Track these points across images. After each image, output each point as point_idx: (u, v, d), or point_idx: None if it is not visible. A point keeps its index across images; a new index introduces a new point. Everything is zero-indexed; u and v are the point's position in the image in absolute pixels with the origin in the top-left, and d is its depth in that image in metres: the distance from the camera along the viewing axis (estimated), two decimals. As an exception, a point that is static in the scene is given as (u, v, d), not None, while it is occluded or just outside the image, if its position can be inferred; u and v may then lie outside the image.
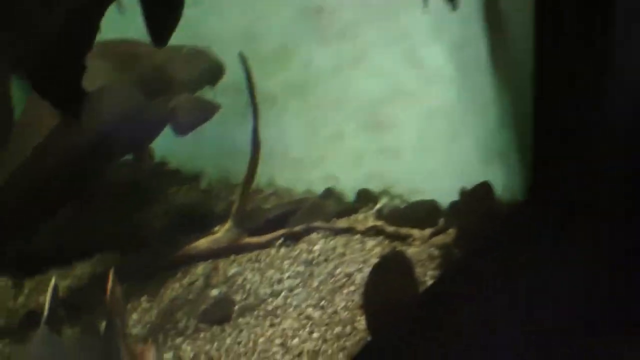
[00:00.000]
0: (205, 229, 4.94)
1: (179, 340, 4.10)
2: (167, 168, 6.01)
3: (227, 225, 4.79)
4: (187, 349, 4.00)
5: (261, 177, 5.34)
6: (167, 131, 4.92)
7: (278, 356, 3.79)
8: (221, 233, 4.79)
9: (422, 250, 4.45)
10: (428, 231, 4.62)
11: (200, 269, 4.70)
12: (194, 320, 4.23)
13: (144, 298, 4.54)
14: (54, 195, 4.46)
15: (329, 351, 3.74)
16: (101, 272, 4.78)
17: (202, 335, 4.11)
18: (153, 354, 3.92)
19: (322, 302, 4.10)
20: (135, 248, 4.95)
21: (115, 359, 3.54)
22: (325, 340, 3.81)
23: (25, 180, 4.26)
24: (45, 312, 3.23)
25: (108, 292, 3.66)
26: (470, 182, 4.66)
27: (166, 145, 5.56)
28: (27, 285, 4.75)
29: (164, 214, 5.31)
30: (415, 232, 4.62)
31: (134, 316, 4.36)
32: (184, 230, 5.02)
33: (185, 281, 4.61)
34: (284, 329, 3.97)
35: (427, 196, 4.92)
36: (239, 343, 3.95)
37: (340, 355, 3.70)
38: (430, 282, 4.11)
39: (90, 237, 4.97)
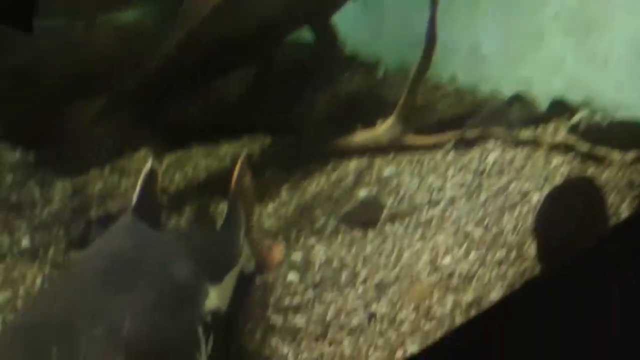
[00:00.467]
0: (368, 121, 4.40)
1: (312, 240, 3.61)
2: (345, 52, 5.50)
3: (391, 120, 4.23)
4: (320, 251, 3.50)
5: (443, 72, 4.91)
6: (348, 14, 4.46)
7: (423, 275, 3.20)
8: (383, 128, 4.25)
9: (621, 176, 3.69)
10: (632, 155, 3.83)
11: (353, 164, 4.18)
12: (334, 221, 3.73)
13: (285, 188, 4.07)
14: (220, 62, 4.11)
15: (486, 277, 3.11)
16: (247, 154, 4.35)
17: (339, 238, 3.60)
18: (281, 252, 3.46)
19: (487, 220, 3.46)
20: (289, 133, 4.52)
21: (232, 253, 3.06)
22: (483, 264, 3.19)
23: (195, 42, 3.92)
24: (135, 199, 2.70)
25: (234, 179, 3.20)
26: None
27: (347, 29, 5.29)
28: (166, 160, 4.37)
29: (330, 99, 4.83)
30: (615, 155, 3.85)
31: (270, 207, 3.91)
32: (345, 120, 4.50)
33: (334, 176, 4.11)
34: (435, 245, 3.38)
35: (637, 114, 4.11)
36: (381, 253, 3.40)
37: (499, 284, 3.06)
38: (626, 214, 3.37)
39: (245, 115, 4.55)
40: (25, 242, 3.71)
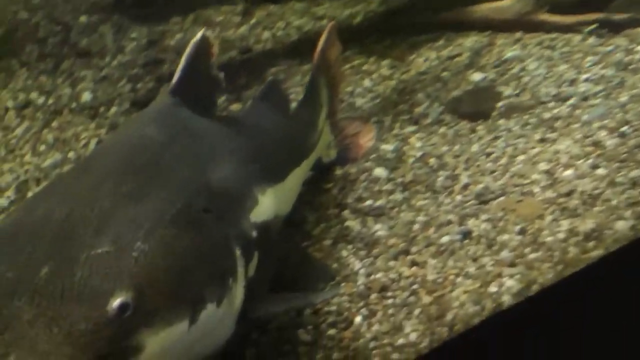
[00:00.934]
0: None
1: (409, 129, 3.14)
2: None
3: (521, -9, 3.77)
4: (416, 144, 3.03)
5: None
6: None
7: (536, 188, 2.68)
8: (511, 0, 3.73)
9: None
10: None
11: (470, 41, 3.68)
12: (438, 108, 3.25)
13: (386, 62, 3.58)
14: None
15: (614, 201, 2.56)
16: (346, 17, 3.80)
17: (442, 130, 3.12)
18: (370, 139, 2.97)
19: (625, 128, 2.88)
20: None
21: (306, 140, 2.64)
22: (612, 183, 2.63)
23: None
24: (176, 76, 2.21)
25: (318, 50, 2.76)
26: None
27: None
28: (256, 15, 3.93)
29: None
30: None
31: (365, 83, 3.45)
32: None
33: (445, 52, 3.62)
34: (557, 152, 2.83)
35: None
36: (489, 155, 2.90)
37: (628, 212, 2.49)
38: None
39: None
40: (86, 97, 3.37)
